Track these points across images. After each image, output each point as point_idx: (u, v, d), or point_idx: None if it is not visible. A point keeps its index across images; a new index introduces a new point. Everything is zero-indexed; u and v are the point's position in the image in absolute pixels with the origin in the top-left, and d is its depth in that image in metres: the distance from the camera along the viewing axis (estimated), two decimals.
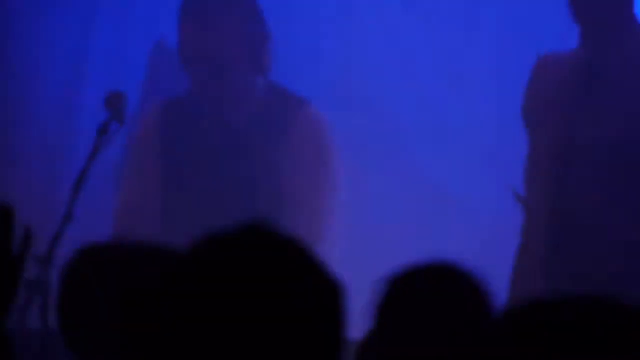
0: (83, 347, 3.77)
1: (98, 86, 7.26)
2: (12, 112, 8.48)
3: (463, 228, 7.83)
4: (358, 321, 3.48)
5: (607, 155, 7.04)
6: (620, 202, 7.01)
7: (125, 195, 7.25)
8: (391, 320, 3.68)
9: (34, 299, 5.87)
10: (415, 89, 8.05)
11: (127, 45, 7.99)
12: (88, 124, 7.00)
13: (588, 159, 7.02)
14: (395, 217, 7.63)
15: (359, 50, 8.21)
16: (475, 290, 3.72)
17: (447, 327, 3.73)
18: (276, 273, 2.39)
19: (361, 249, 6.87)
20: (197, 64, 7.02)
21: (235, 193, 6.96)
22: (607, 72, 7.36)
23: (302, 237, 2.52)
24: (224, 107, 7.13)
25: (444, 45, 8.26)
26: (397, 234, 7.36)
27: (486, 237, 7.71)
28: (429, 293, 3.74)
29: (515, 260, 7.07)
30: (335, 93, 7.79)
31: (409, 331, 3.71)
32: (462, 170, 8.03)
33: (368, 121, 7.81)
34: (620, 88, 7.34)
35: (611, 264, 6.85)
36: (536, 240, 7.10)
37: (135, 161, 7.29)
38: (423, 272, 3.77)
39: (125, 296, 3.57)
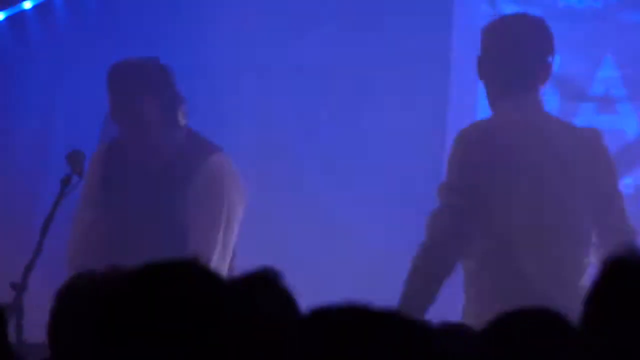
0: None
1: (63, 142, 8.39)
2: None
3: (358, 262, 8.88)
4: None
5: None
6: None
7: (76, 219, 8.03)
8: None
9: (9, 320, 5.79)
10: (320, 140, 9.45)
11: (85, 109, 9.06)
12: (55, 174, 7.80)
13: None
14: (295, 249, 8.62)
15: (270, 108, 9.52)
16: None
17: None
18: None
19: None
20: (123, 123, 7.99)
21: (155, 225, 7.80)
22: None
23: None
24: (146, 154, 8.02)
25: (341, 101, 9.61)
26: (294, 262, 7.72)
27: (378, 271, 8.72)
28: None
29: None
30: (250, 141, 9.08)
31: None
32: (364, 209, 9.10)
33: (274, 161, 9.16)
34: None
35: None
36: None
37: (83, 191, 7.98)
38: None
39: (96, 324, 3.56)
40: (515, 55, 7.83)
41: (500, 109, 7.80)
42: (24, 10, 10.61)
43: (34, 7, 10.56)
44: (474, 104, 9.89)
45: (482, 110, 9.31)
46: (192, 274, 3.23)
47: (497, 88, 7.75)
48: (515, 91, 7.82)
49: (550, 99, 8.78)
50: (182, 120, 8.01)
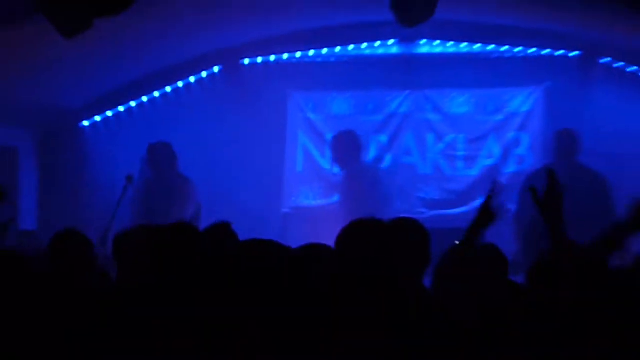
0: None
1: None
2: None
3: None
4: None
5: None
6: None
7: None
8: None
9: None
10: None
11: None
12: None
13: None
14: None
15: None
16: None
17: None
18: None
19: None
20: (150, 167, 12.27)
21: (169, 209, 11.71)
22: None
23: None
24: (161, 185, 12.13)
25: None
26: None
27: None
28: None
29: None
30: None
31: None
32: None
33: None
34: None
35: None
36: None
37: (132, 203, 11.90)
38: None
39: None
40: None
41: None
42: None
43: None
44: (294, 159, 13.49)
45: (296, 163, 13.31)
46: (190, 228, 6.04)
47: None
48: None
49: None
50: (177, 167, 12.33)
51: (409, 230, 5.97)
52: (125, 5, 5.49)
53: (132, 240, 6.60)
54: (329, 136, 13.11)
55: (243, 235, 7.71)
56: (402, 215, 9.60)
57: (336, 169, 12.74)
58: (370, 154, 13.40)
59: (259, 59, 13.80)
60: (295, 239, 9.82)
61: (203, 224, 10.86)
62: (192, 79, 13.87)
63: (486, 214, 5.94)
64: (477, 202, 11.79)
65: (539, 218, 8.12)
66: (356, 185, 12.26)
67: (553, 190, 5.51)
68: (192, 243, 5.84)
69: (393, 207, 12.35)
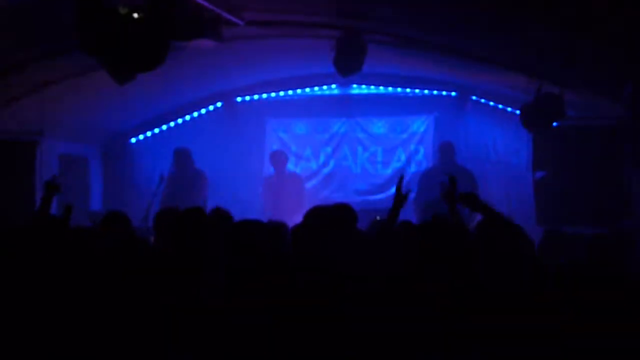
0: None
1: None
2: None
3: None
4: None
5: None
6: None
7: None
8: None
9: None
10: None
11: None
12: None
13: None
14: None
15: None
16: None
17: None
18: None
19: None
20: (175, 165, 12.05)
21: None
22: None
23: None
24: (183, 177, 11.92)
25: None
26: None
27: None
28: None
29: None
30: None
31: None
32: None
33: None
34: None
35: None
36: None
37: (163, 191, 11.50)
38: None
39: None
40: None
41: None
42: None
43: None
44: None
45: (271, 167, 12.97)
46: (200, 211, 5.81)
47: None
48: None
49: None
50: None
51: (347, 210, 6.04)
52: (158, 63, 5.47)
53: (165, 218, 6.65)
54: (294, 148, 13.36)
55: (240, 212, 8.00)
56: (341, 201, 9.84)
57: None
58: (321, 159, 13.56)
59: (247, 97, 13.88)
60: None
61: (209, 204, 11.30)
62: (203, 111, 13.96)
63: (400, 196, 6.04)
64: (392, 191, 12.22)
65: (430, 201, 8.26)
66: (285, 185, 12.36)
67: (452, 187, 5.96)
68: (202, 222, 5.79)
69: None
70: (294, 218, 9.84)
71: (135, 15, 5.38)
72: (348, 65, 9.46)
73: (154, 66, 5.59)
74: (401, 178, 6.25)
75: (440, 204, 8.08)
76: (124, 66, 5.56)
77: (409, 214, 10.70)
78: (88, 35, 5.51)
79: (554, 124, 10.07)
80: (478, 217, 7.75)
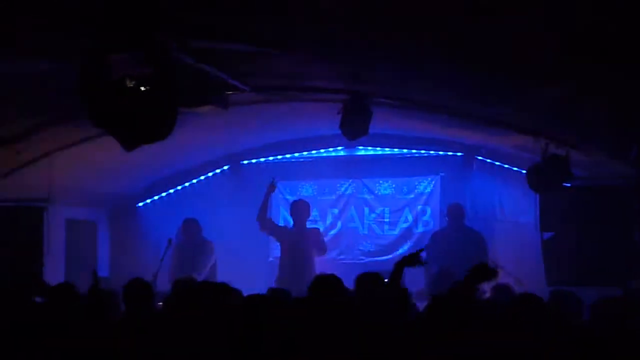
0: None
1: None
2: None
3: None
4: None
5: None
6: None
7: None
8: None
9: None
10: None
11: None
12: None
13: None
14: None
15: None
16: None
17: None
18: None
19: None
20: (183, 234, 12.23)
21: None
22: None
23: None
24: (191, 246, 12.03)
25: None
26: None
27: None
28: None
29: None
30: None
31: None
32: None
33: None
34: None
35: None
36: None
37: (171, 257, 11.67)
38: None
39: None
40: None
41: None
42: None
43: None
44: None
45: None
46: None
47: None
48: None
49: None
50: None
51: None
52: (166, 134, 5.48)
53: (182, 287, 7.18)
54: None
55: (246, 275, 8.04)
56: (346, 261, 9.69)
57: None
58: (327, 221, 13.52)
59: (254, 160, 13.91)
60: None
61: (218, 270, 11.25)
62: (210, 174, 14.00)
63: (413, 260, 5.97)
64: (399, 252, 12.53)
65: (444, 269, 8.19)
66: (304, 239, 12.00)
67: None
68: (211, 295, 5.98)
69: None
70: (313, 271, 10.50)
71: (142, 88, 5.33)
72: (354, 129, 9.49)
73: (162, 137, 5.61)
74: (420, 251, 6.19)
75: (453, 273, 8.18)
76: (133, 137, 5.54)
77: (419, 277, 10.74)
78: (95, 108, 5.50)
79: (561, 185, 10.06)
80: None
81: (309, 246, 11.83)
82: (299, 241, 11.81)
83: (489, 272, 5.69)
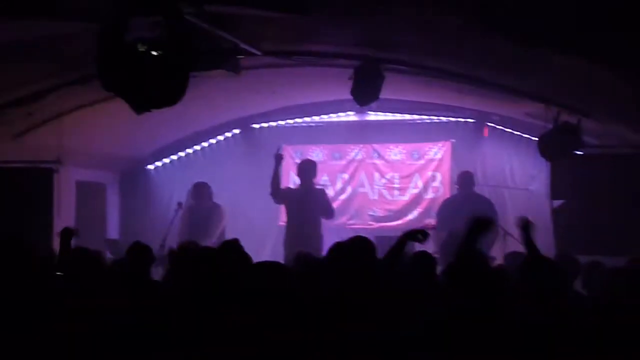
0: None
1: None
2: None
3: None
4: None
5: None
6: None
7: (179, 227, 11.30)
8: None
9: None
10: None
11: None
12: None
13: None
14: None
15: None
16: None
17: None
18: None
19: None
20: (193, 198, 12.01)
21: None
22: None
23: None
24: (201, 210, 11.70)
25: None
26: None
27: None
28: None
29: None
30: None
31: None
32: None
33: None
34: None
35: None
36: None
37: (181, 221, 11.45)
38: None
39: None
40: None
41: None
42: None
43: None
44: None
45: None
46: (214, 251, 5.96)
47: None
48: None
49: None
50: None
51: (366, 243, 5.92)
52: (177, 99, 5.46)
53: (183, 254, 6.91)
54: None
55: (257, 239, 7.97)
56: (356, 226, 9.46)
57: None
58: (337, 186, 13.53)
59: (264, 125, 13.97)
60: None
61: (227, 234, 11.17)
62: (220, 138, 14.06)
63: (482, 226, 5.83)
64: (408, 217, 12.72)
65: (455, 232, 8.13)
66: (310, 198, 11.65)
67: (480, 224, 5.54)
68: (214, 260, 5.78)
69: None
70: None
71: (154, 52, 5.30)
72: (365, 95, 9.45)
73: (173, 102, 5.59)
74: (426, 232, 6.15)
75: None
76: (144, 102, 5.52)
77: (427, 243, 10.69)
78: (108, 73, 5.48)
79: (572, 153, 10.02)
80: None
81: (315, 206, 11.55)
82: (304, 201, 11.53)
83: (484, 224, 5.56)
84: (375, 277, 5.51)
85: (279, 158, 11.30)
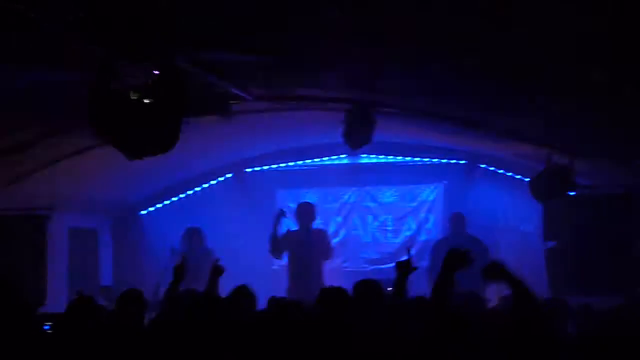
0: None
1: None
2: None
3: None
4: None
5: None
6: None
7: None
8: None
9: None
10: None
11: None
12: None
13: None
14: None
15: None
16: None
17: None
18: None
19: None
20: (185, 244, 12.23)
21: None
22: None
23: None
24: (193, 256, 10.91)
25: None
26: None
27: None
28: None
29: None
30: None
31: None
32: None
33: None
34: None
35: None
36: None
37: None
38: None
39: None
40: None
41: None
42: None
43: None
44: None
45: None
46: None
47: None
48: None
49: None
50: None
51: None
52: (170, 146, 5.48)
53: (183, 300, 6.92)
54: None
55: (251, 283, 7.92)
56: (350, 269, 9.49)
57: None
58: (331, 229, 13.45)
59: (257, 168, 14.00)
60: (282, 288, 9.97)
61: (221, 278, 11.08)
62: (213, 182, 14.02)
63: (406, 268, 5.94)
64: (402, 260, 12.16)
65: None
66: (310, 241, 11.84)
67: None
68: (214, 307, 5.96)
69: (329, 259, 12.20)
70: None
71: (146, 100, 5.33)
72: (357, 139, 9.49)
73: (167, 148, 5.62)
74: (408, 250, 6.16)
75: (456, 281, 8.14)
76: (137, 149, 5.54)
77: (424, 284, 10.65)
78: (99, 120, 5.50)
79: (564, 194, 10.04)
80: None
81: (317, 248, 11.70)
82: (304, 244, 11.64)
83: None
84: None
85: (280, 216, 11.30)
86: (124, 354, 5.51)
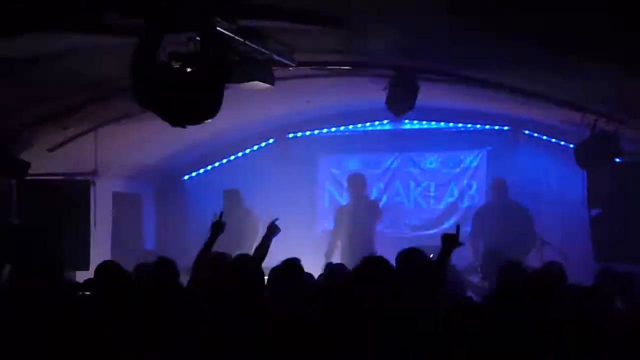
0: None
1: None
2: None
3: None
4: None
5: None
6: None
7: None
8: None
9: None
10: None
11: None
12: None
13: None
14: None
15: None
16: None
17: None
18: None
19: None
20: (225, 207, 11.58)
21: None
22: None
23: None
24: (233, 217, 10.32)
25: None
26: None
27: None
28: None
29: None
30: None
31: None
32: None
33: None
34: None
35: None
36: None
37: None
38: None
39: None
40: None
41: None
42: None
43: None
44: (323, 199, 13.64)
45: (324, 202, 13.36)
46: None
47: None
48: None
49: None
50: None
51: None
52: (212, 115, 5.47)
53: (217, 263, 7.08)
54: (346, 184, 13.03)
55: (291, 247, 8.58)
56: (393, 235, 10.89)
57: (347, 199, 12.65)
58: (373, 195, 13.40)
59: (299, 134, 13.99)
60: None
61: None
62: (255, 148, 14.07)
63: (452, 243, 5.90)
64: (444, 226, 12.44)
65: (492, 249, 8.18)
66: (361, 211, 11.98)
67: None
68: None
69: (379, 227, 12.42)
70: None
71: (188, 69, 5.32)
72: (400, 105, 9.42)
73: (209, 116, 5.61)
74: (458, 227, 6.05)
75: (499, 250, 8.11)
76: (179, 117, 5.54)
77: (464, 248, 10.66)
78: (142, 88, 5.50)
79: (610, 161, 9.95)
80: None
81: (368, 218, 11.88)
82: (356, 213, 11.79)
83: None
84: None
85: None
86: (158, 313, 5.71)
